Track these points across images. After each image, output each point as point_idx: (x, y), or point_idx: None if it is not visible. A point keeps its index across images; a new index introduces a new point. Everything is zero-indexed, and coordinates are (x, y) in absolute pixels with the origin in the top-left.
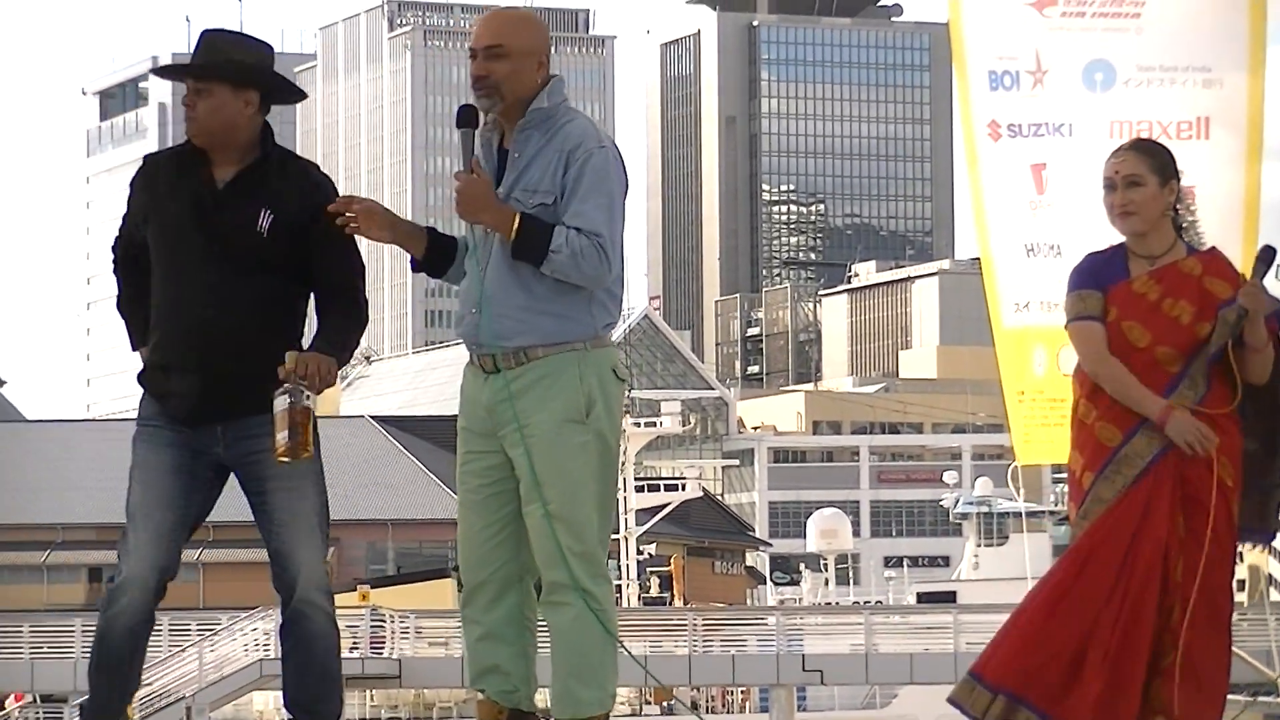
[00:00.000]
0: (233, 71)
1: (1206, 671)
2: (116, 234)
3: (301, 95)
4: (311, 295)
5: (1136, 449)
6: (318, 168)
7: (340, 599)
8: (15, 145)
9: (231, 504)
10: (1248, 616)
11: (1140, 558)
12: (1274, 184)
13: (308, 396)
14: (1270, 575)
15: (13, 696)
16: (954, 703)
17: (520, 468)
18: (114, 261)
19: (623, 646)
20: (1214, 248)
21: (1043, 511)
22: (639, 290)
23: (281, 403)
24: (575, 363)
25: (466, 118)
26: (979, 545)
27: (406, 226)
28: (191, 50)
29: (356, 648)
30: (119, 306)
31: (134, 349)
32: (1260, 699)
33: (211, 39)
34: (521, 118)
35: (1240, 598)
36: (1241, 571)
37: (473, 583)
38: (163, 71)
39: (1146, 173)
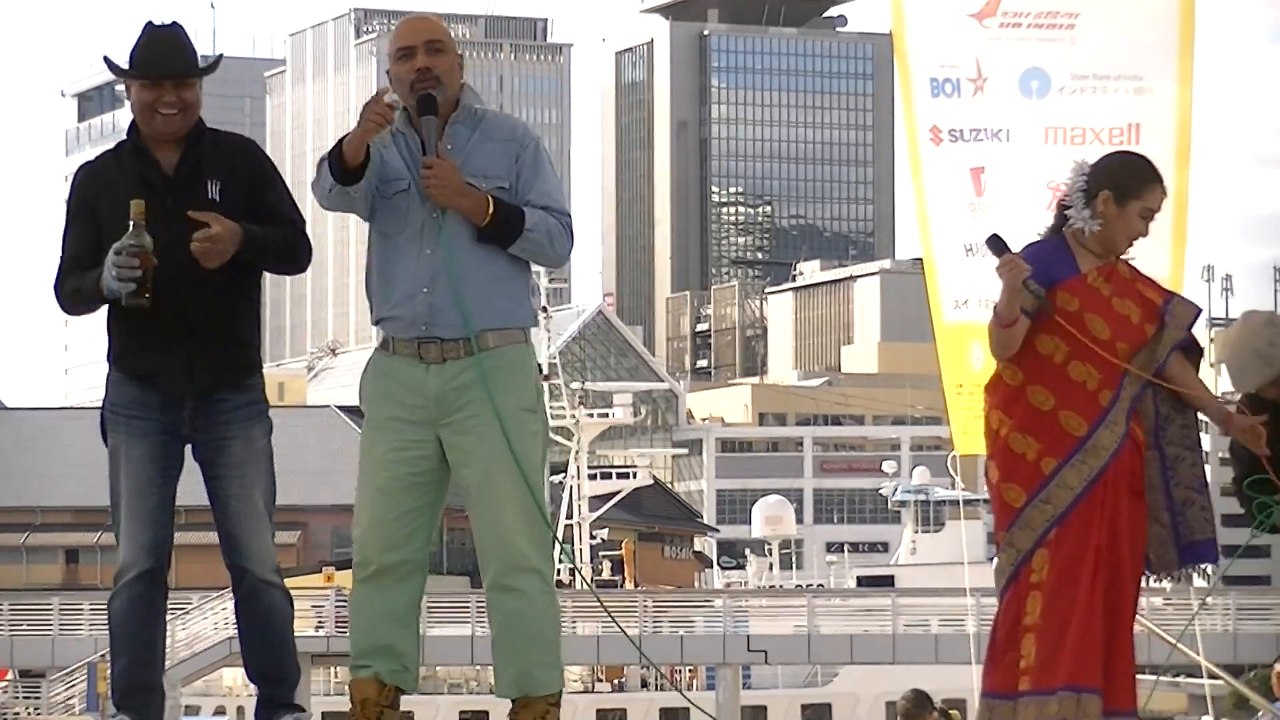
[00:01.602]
0: (201, 67)
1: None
2: (60, 271)
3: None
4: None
5: (1102, 441)
6: (243, 137)
7: (307, 580)
8: None
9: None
10: (1173, 601)
11: (1117, 539)
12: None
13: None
14: None
15: None
16: None
17: (475, 454)
18: (61, 290)
19: (618, 626)
20: (1130, 258)
21: (978, 499)
22: (593, 287)
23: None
24: (526, 354)
25: (429, 105)
26: (916, 531)
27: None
28: (136, 45)
29: (322, 626)
30: (75, 305)
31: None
32: (1182, 679)
33: (178, 35)
34: (452, 112)
35: (1165, 584)
36: None
37: (384, 564)
38: (149, 73)
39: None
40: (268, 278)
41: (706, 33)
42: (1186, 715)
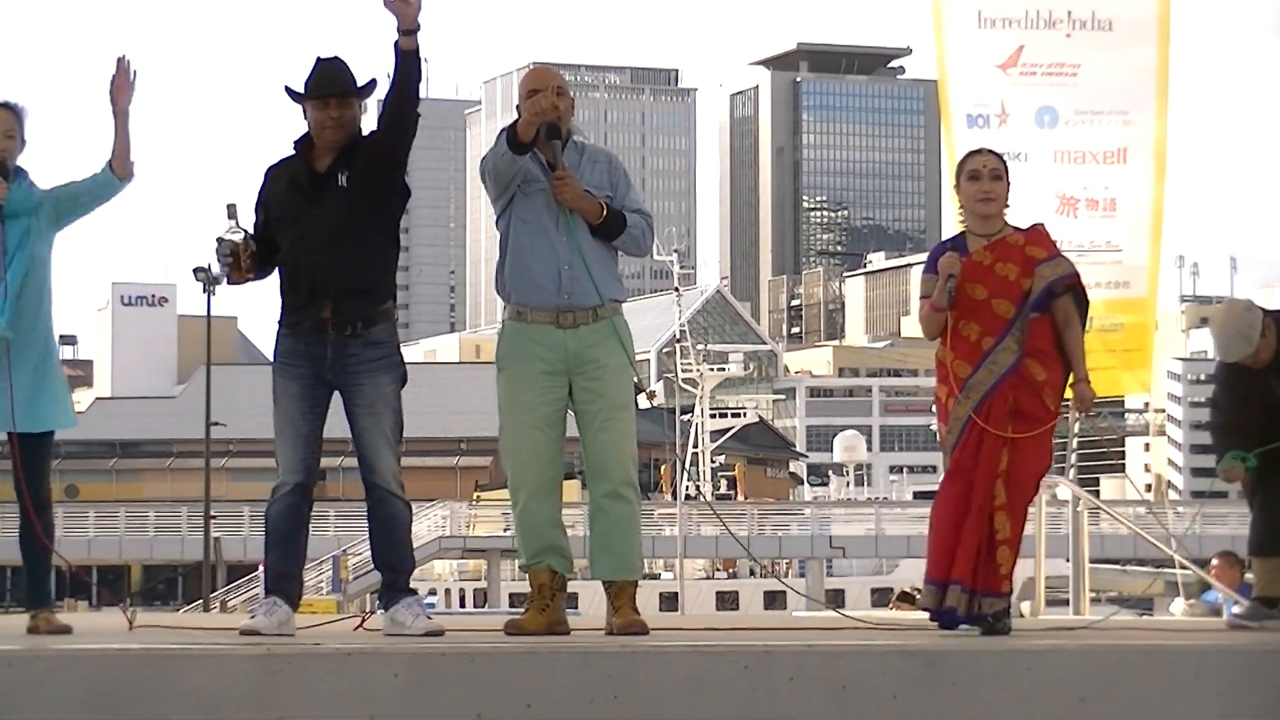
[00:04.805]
0: (362, 89)
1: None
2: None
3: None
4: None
5: (980, 379)
6: (370, 137)
7: (498, 494)
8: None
9: (421, 423)
10: (1154, 512)
11: (985, 456)
12: None
13: (232, 234)
14: (1169, 480)
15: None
16: (926, 608)
17: (602, 395)
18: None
19: (729, 531)
20: (1037, 224)
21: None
22: (713, 272)
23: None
24: (625, 321)
25: (555, 132)
26: None
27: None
28: (309, 74)
29: (509, 529)
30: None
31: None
32: (1163, 571)
33: (339, 65)
34: (565, 141)
35: (1149, 495)
36: (1149, 478)
37: (541, 480)
38: (318, 93)
39: (1004, 171)
40: (490, 262)
41: (799, 80)
42: (1163, 596)
